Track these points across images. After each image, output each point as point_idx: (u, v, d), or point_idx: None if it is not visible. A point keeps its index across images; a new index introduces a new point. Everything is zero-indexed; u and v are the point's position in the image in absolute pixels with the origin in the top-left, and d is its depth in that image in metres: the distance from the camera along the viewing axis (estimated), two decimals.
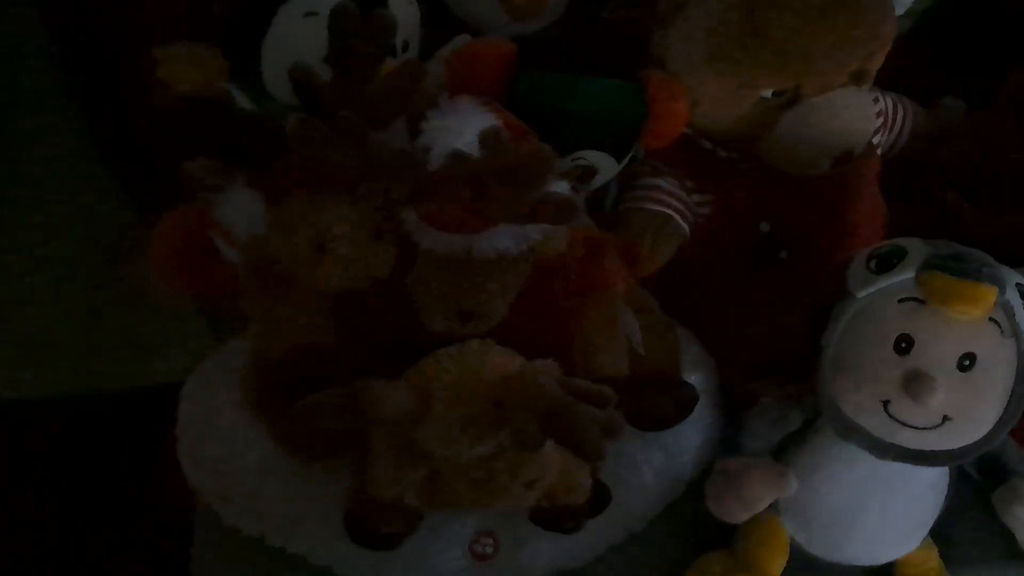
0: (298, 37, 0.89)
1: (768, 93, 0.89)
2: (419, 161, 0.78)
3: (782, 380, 0.83)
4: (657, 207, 0.94)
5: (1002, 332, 0.72)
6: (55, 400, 1.46)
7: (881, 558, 0.82)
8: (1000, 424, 0.73)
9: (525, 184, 0.73)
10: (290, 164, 0.79)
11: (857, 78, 0.90)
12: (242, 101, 0.89)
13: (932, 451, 0.74)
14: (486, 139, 0.75)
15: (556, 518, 0.81)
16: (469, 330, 0.78)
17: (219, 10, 0.94)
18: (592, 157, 0.91)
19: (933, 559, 0.82)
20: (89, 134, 1.39)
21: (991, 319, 0.71)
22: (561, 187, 0.81)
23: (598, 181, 0.93)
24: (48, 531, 1.33)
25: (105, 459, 1.40)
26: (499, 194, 0.73)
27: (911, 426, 0.72)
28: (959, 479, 0.82)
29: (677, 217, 0.94)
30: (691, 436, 0.89)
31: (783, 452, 0.81)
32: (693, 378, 0.90)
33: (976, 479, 0.83)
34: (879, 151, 0.98)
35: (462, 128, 0.80)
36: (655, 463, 0.87)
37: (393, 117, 0.85)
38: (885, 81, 0.94)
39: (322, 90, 0.81)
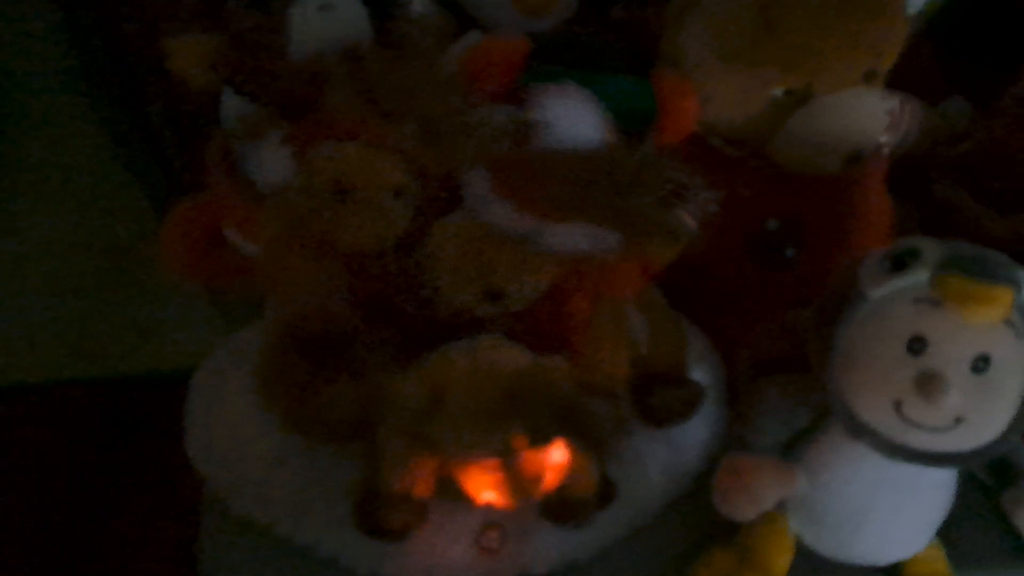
0: (313, 30, 0.86)
1: (779, 92, 0.87)
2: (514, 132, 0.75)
3: (790, 377, 0.80)
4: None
5: (1017, 334, 0.68)
6: (61, 385, 1.45)
7: (889, 558, 0.79)
8: (1013, 427, 0.70)
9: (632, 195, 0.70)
10: (324, 122, 0.77)
11: (868, 78, 0.87)
12: None
13: (944, 453, 0.70)
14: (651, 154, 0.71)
15: (564, 512, 0.78)
16: (490, 309, 0.75)
17: (233, 2, 0.92)
18: None
19: (940, 559, 0.79)
20: (99, 120, 1.36)
21: (1007, 321, 0.68)
22: None
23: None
24: (53, 517, 1.31)
25: (111, 445, 1.38)
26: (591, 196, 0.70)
27: (923, 427, 0.69)
28: (967, 480, 0.79)
29: (685, 214, 0.91)
30: (697, 431, 0.86)
31: (791, 450, 0.77)
32: (699, 373, 0.88)
33: (985, 480, 0.80)
34: (886, 151, 0.96)
35: (583, 116, 0.77)
36: (661, 458, 0.85)
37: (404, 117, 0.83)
38: (895, 81, 0.91)
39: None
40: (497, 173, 0.74)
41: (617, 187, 0.71)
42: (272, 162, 0.78)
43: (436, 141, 0.77)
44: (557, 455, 0.75)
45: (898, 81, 0.93)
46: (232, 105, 0.85)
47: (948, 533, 0.80)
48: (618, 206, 0.71)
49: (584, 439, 0.74)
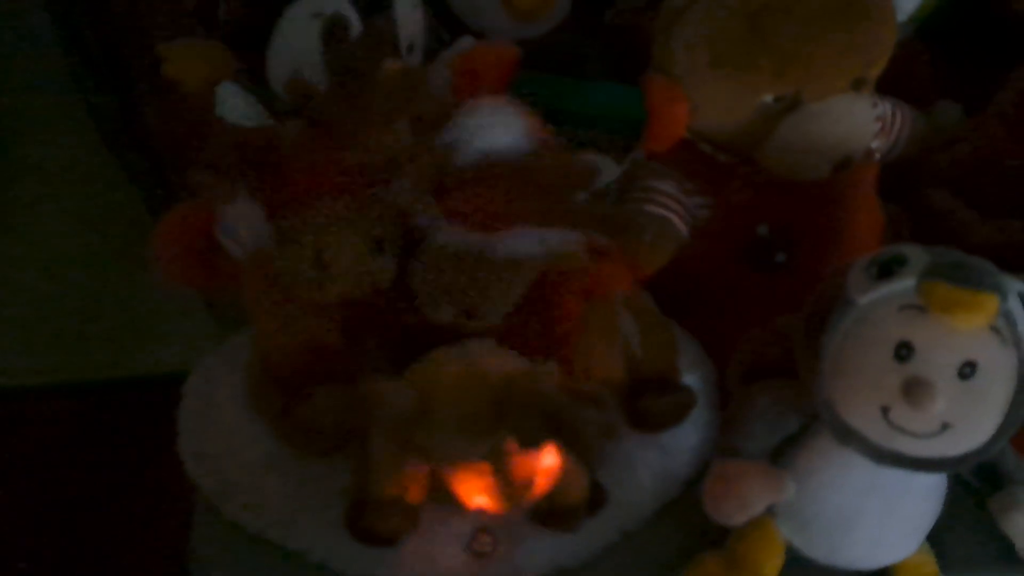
0: (304, 39, 0.86)
1: (768, 98, 0.87)
2: (442, 156, 0.76)
3: (780, 382, 0.80)
4: (656, 209, 0.91)
5: (1003, 341, 0.68)
6: (54, 388, 1.44)
7: (878, 562, 0.79)
8: (1000, 432, 0.70)
9: (562, 193, 0.71)
10: (292, 172, 0.76)
11: (857, 85, 0.87)
12: (247, 100, 0.86)
13: (931, 458, 0.70)
14: (537, 146, 0.73)
15: (554, 518, 0.78)
16: (471, 324, 0.75)
17: (226, 11, 0.92)
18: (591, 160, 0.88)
19: (929, 564, 0.79)
20: (94, 123, 1.36)
21: (992, 327, 0.68)
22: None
23: (599, 183, 0.90)
24: (45, 521, 1.31)
25: (104, 449, 1.38)
26: (532, 200, 0.71)
27: (910, 433, 0.69)
28: (956, 485, 0.79)
29: (676, 219, 0.91)
30: (688, 436, 0.86)
31: (780, 455, 0.77)
32: (690, 378, 0.87)
33: (974, 485, 0.80)
34: (877, 156, 0.96)
35: (496, 128, 0.78)
36: (652, 463, 0.84)
37: (391, 121, 0.83)
38: (887, 86, 0.91)
39: (320, 99, 0.79)
40: (436, 197, 0.75)
41: (545, 187, 0.72)
42: (243, 222, 0.79)
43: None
44: (548, 459, 0.75)
45: (889, 86, 0.93)
46: (230, 106, 0.85)
47: (937, 538, 0.80)
48: (552, 205, 0.72)
49: (574, 445, 0.74)
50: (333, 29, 0.79)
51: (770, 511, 0.78)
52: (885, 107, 0.97)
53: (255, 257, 0.77)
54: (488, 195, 0.75)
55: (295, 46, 0.86)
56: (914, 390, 0.67)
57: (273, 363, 0.78)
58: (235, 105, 0.85)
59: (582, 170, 0.78)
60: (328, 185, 0.75)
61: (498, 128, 0.78)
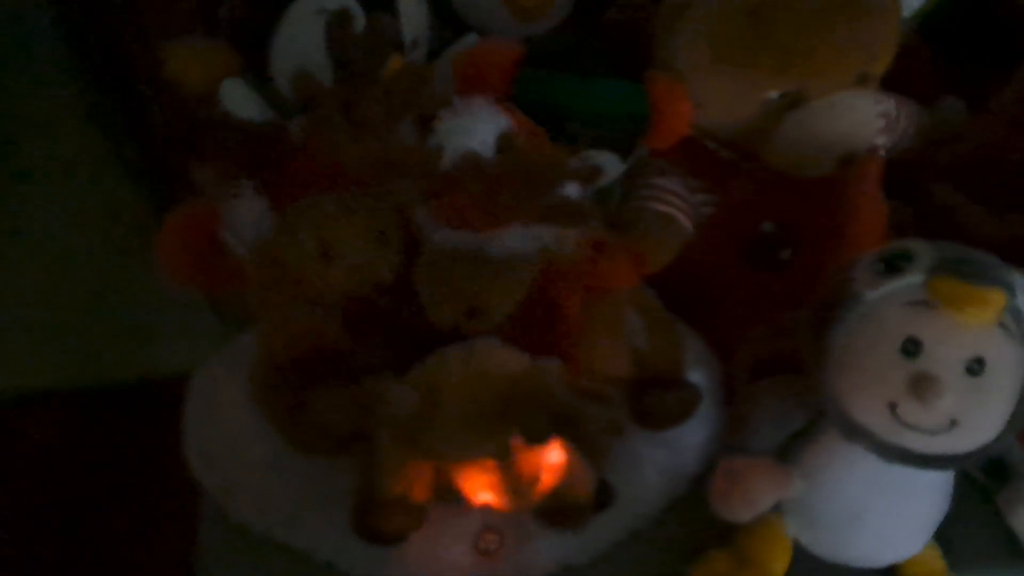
0: (308, 35, 0.86)
1: (772, 95, 0.86)
2: (433, 159, 0.76)
3: (786, 379, 0.80)
4: (661, 206, 0.91)
5: (1011, 336, 0.68)
6: (60, 391, 1.44)
7: (886, 559, 0.79)
8: (1008, 428, 0.69)
9: (538, 188, 0.71)
10: (297, 169, 0.76)
11: (861, 81, 0.87)
12: (252, 96, 0.86)
13: (938, 454, 0.70)
14: (503, 142, 0.73)
15: (561, 516, 0.78)
16: (475, 325, 0.75)
17: (229, 8, 0.92)
18: (596, 157, 0.88)
19: (937, 561, 0.79)
20: (96, 124, 1.36)
21: (1000, 323, 0.68)
22: (571, 188, 0.79)
23: (603, 181, 0.90)
24: (50, 523, 1.31)
25: (110, 451, 1.38)
26: (511, 196, 0.71)
27: (918, 429, 0.69)
28: (964, 481, 0.78)
29: (681, 216, 0.91)
30: (695, 433, 0.85)
31: (787, 452, 0.77)
32: (696, 376, 0.87)
33: (981, 481, 0.80)
34: (881, 153, 0.95)
35: (475, 128, 0.78)
36: (658, 460, 0.84)
37: (397, 119, 0.82)
38: (890, 82, 0.91)
39: (326, 94, 0.79)
40: (428, 199, 0.75)
41: (530, 183, 0.72)
42: (248, 218, 0.78)
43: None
44: (554, 456, 0.75)
45: (890, 83, 0.92)
46: (235, 101, 0.84)
47: (945, 534, 0.79)
48: (538, 200, 0.73)
49: (580, 443, 0.74)
50: (338, 23, 0.78)
51: (777, 508, 0.77)
52: (889, 103, 0.97)
53: (260, 248, 0.76)
54: (476, 194, 0.75)
55: (300, 42, 0.86)
56: (922, 386, 0.67)
57: (277, 360, 0.78)
58: (240, 100, 0.85)
59: (558, 162, 0.78)
60: (332, 180, 0.75)
61: (480, 128, 0.78)
